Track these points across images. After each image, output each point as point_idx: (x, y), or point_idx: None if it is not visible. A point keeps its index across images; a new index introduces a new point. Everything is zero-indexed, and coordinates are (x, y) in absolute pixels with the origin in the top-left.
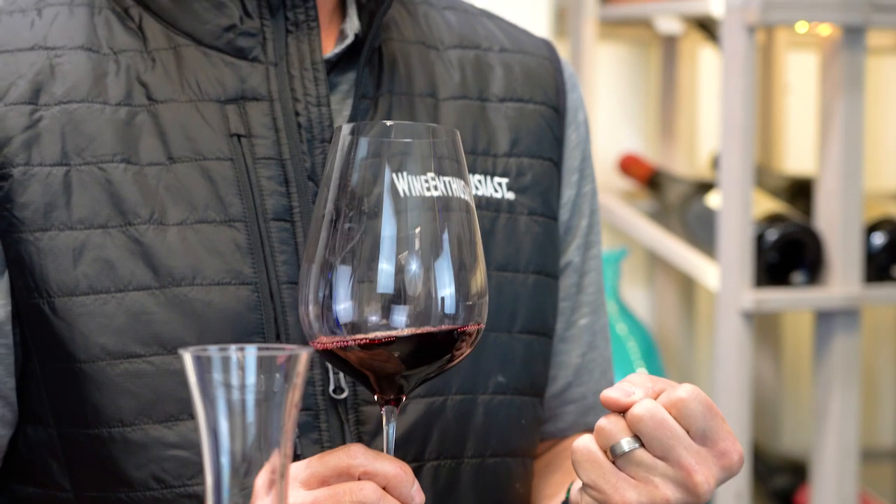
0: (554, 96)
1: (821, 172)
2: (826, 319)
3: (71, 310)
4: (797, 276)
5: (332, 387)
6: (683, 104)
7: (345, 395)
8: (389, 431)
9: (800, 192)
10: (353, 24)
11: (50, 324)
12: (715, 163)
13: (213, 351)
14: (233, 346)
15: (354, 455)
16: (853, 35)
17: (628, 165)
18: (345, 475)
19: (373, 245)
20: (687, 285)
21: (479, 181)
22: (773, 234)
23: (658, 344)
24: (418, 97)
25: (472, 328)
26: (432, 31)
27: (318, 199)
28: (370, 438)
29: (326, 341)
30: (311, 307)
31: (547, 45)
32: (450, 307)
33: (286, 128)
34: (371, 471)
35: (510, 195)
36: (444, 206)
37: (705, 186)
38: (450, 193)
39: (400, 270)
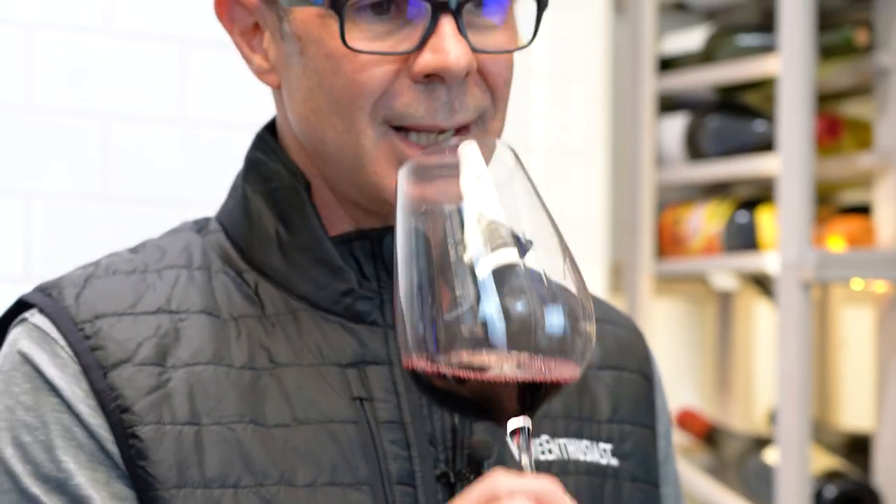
0: (644, 365)
1: (878, 428)
2: None
3: None
4: None
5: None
6: (739, 359)
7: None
8: (524, 462)
9: (857, 448)
10: None
11: None
12: (772, 418)
13: None
14: None
15: (497, 479)
16: None
17: (685, 420)
18: (492, 501)
19: None
20: None
21: (587, 447)
22: (831, 491)
23: None
24: None
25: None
26: None
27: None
28: None
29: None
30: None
31: (629, 317)
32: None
33: (406, 391)
34: (517, 489)
35: (614, 461)
36: None
37: (762, 442)
38: None
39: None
